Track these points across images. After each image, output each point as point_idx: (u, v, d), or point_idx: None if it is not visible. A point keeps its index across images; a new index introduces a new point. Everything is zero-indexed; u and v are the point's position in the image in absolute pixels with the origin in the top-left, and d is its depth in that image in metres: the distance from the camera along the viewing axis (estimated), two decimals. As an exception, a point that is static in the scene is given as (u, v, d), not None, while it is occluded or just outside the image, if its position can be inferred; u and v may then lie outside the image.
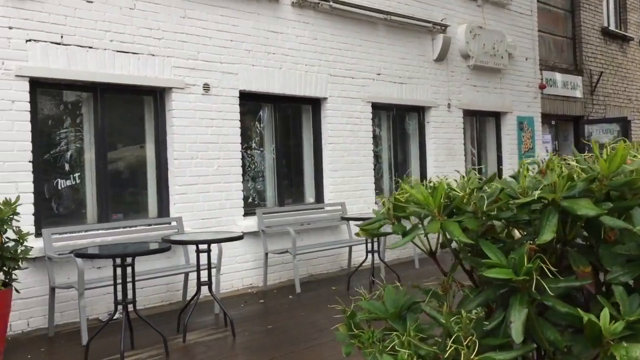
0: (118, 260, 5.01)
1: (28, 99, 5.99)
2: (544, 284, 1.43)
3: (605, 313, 1.36)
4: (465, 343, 1.45)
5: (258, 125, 8.36)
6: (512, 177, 1.76)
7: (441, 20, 10.52)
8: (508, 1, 12.15)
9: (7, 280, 5.16)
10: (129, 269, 5.04)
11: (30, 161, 5.98)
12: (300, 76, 8.37)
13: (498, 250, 1.56)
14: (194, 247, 5.81)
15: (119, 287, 5.03)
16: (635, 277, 1.47)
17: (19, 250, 5.16)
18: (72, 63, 6.27)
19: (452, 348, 1.48)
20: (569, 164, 1.67)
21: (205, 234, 6.27)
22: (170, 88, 7.03)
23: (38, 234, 5.97)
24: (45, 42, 6.10)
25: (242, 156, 7.84)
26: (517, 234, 1.82)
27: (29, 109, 5.99)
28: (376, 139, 9.67)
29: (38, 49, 6.04)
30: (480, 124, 11.85)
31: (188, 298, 6.37)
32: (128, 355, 5.02)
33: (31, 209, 5.95)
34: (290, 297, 7.21)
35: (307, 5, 8.46)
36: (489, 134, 12.14)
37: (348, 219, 8.05)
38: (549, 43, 14.21)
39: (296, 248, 7.48)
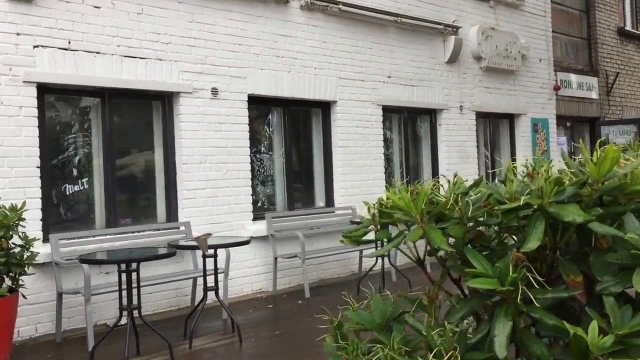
0: (123, 266, 5.01)
1: (36, 105, 6.00)
2: (531, 294, 1.35)
3: (594, 326, 1.27)
4: (446, 358, 1.37)
5: (267, 129, 8.32)
6: (501, 181, 1.69)
7: (453, 22, 10.41)
8: (521, 2, 11.99)
9: (13, 286, 5.17)
10: (134, 275, 5.02)
11: (38, 167, 5.99)
12: (309, 79, 8.32)
13: (484, 258, 1.48)
14: (201, 252, 5.77)
15: (124, 293, 5.02)
16: (626, 286, 1.38)
17: (25, 256, 5.17)
18: (80, 68, 6.27)
19: (433, 364, 1.40)
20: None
21: (212, 239, 6.23)
22: (179, 92, 7.01)
23: (46, 240, 5.97)
24: (53, 47, 6.11)
25: (251, 160, 7.80)
26: (512, 240, 1.74)
27: (37, 115, 6.00)
28: (387, 142, 9.58)
29: (46, 55, 6.06)
30: (494, 126, 11.71)
31: (196, 303, 6.34)
32: (133, 361, 5.00)
33: (39, 214, 5.96)
34: (300, 302, 7.15)
35: (316, 8, 8.41)
36: (503, 136, 11.99)
37: (358, 223, 7.95)
38: (563, 44, 14.02)
39: (305, 252, 7.42)
